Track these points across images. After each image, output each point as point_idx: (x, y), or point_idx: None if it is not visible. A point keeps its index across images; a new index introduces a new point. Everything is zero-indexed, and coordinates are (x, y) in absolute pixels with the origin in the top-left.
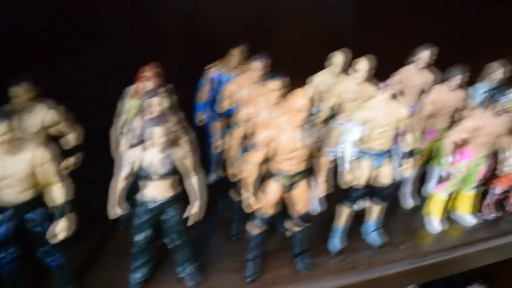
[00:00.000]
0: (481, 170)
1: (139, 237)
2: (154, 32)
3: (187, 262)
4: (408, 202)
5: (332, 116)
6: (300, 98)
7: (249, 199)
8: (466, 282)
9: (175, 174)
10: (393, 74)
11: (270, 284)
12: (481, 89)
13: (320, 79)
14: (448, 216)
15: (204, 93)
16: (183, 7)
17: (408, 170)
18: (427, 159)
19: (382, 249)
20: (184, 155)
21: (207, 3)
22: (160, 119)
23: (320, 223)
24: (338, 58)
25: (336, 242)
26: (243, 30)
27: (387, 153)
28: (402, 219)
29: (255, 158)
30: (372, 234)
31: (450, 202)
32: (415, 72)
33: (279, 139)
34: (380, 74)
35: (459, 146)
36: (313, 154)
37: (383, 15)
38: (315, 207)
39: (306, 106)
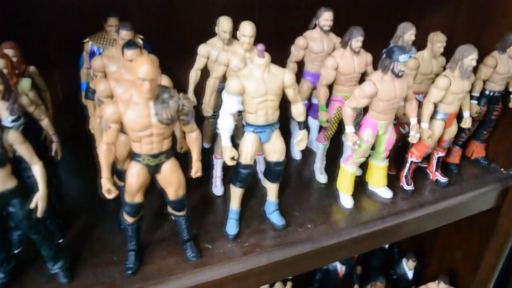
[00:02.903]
0: (389, 138)
1: None
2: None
3: (55, 257)
4: (320, 177)
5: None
6: (142, 65)
7: (104, 185)
8: (402, 254)
9: (14, 161)
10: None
11: (155, 276)
12: None
13: (209, 48)
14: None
15: (85, 70)
16: None
17: (302, 143)
18: (338, 130)
19: (287, 230)
20: (19, 139)
21: None
22: None
23: (221, 205)
24: (224, 23)
25: (232, 226)
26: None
27: (274, 126)
28: (315, 195)
29: (105, 138)
30: (273, 214)
31: (365, 174)
32: (319, 36)
33: (128, 115)
34: (287, 40)
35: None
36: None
37: None
38: (217, 189)
39: (150, 74)
